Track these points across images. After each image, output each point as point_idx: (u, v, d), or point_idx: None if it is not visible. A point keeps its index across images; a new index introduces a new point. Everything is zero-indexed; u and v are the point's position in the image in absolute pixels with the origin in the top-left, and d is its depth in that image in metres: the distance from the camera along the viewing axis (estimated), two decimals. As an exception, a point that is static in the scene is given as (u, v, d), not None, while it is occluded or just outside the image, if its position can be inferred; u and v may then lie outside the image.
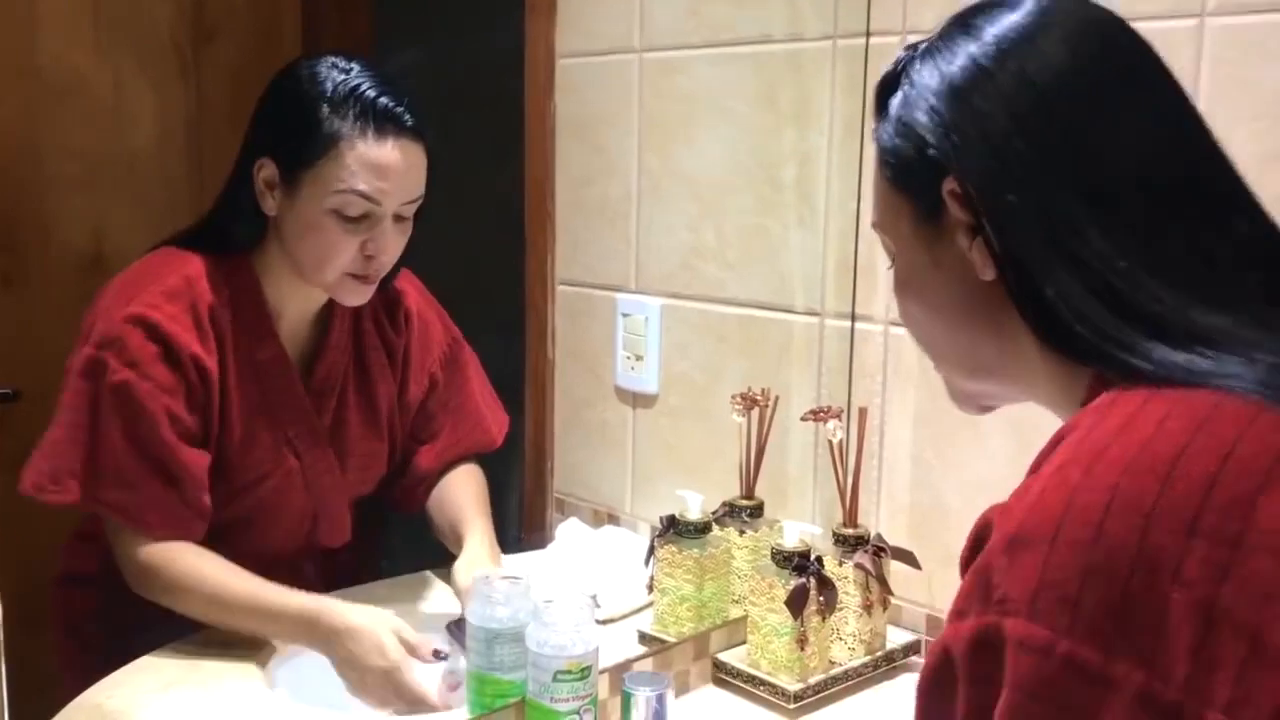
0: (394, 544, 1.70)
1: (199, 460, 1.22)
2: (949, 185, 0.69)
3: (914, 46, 0.74)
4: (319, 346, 1.34)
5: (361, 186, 1.20)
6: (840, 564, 1.33)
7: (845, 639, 1.33)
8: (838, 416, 1.36)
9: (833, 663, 1.31)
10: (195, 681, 1.18)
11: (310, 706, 1.17)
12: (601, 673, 1.15)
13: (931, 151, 0.69)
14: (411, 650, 1.16)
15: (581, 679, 1.08)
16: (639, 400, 1.63)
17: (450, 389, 1.46)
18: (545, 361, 1.69)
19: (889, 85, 0.75)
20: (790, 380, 1.49)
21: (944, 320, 0.75)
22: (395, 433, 1.43)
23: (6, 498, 1.22)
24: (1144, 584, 0.53)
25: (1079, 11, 0.70)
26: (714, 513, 1.39)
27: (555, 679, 1.07)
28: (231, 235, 1.27)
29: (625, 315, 1.62)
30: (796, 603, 1.24)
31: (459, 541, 1.35)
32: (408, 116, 1.22)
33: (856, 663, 1.32)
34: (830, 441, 1.37)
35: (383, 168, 1.21)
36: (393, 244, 1.26)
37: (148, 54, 1.79)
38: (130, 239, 1.74)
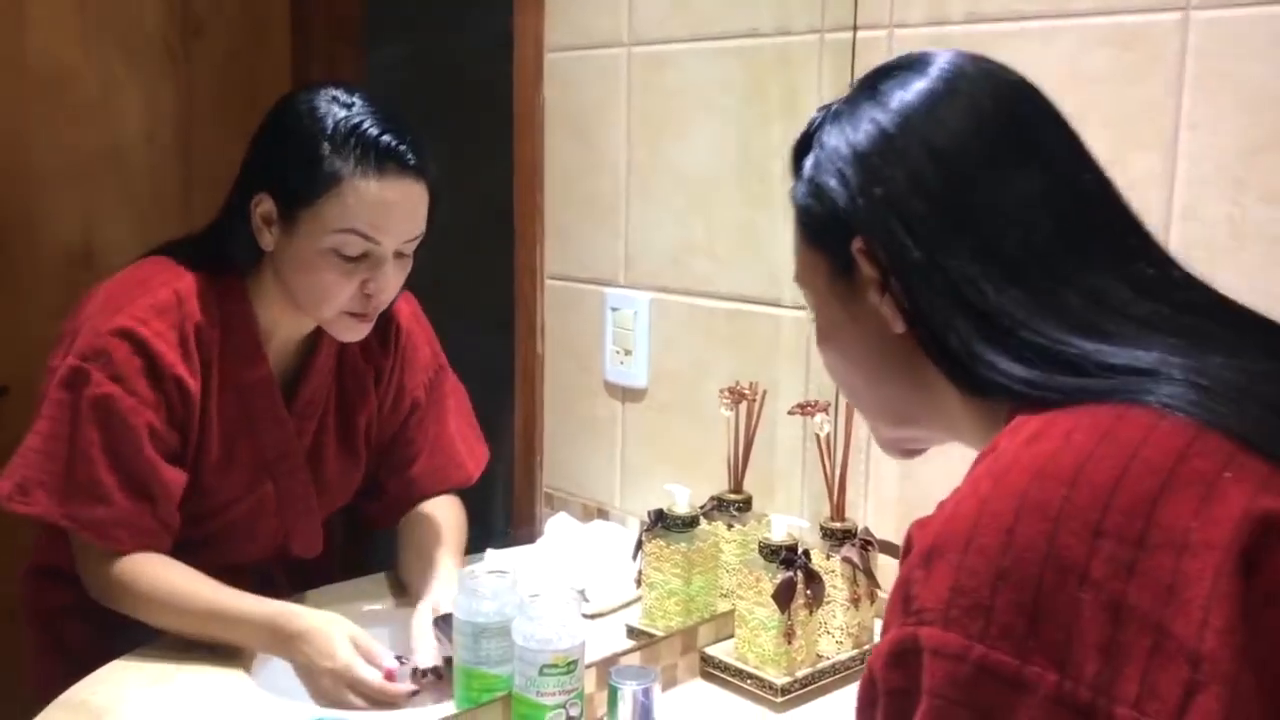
0: (367, 543, 1.70)
1: (177, 479, 1.21)
2: (857, 244, 0.73)
3: (827, 108, 0.78)
4: (304, 368, 1.33)
5: (362, 227, 1.18)
6: (828, 557, 1.33)
7: (833, 632, 1.34)
8: (825, 410, 1.36)
9: (820, 656, 1.31)
10: (181, 677, 1.18)
11: (294, 700, 1.17)
12: (588, 667, 1.15)
13: (841, 212, 0.73)
14: (366, 656, 1.16)
15: (568, 673, 1.08)
16: (628, 395, 1.63)
17: (430, 417, 1.45)
18: (534, 356, 1.69)
19: (803, 147, 0.79)
20: (778, 374, 1.49)
21: (863, 372, 0.79)
22: (371, 452, 1.42)
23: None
24: (1053, 585, 0.55)
25: (983, 79, 0.74)
26: (702, 507, 1.39)
27: (541, 673, 1.07)
28: (226, 259, 1.25)
29: (614, 310, 1.62)
30: (784, 596, 1.24)
31: (424, 578, 1.31)
32: (410, 155, 1.19)
33: (844, 656, 1.32)
34: (818, 435, 1.37)
35: (384, 207, 1.19)
36: (393, 282, 1.24)
37: (136, 48, 1.78)
38: (119, 233, 1.74)
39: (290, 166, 1.19)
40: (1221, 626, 0.53)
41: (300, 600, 1.28)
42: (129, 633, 1.21)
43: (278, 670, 1.22)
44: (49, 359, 1.21)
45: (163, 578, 1.20)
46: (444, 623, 1.20)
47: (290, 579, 1.39)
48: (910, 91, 0.73)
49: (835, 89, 1.43)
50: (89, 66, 1.73)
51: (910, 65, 0.76)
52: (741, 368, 1.48)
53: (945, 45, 1.30)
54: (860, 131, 0.73)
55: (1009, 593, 0.56)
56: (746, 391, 1.40)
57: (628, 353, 1.61)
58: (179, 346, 1.20)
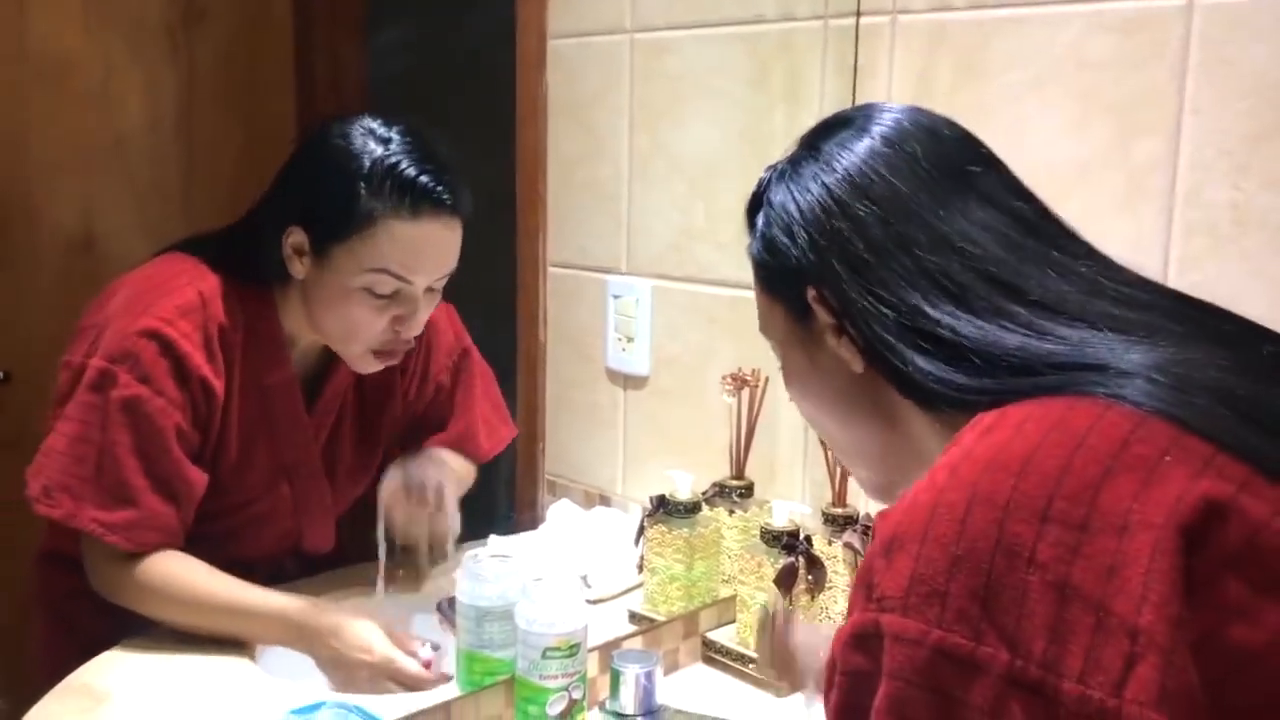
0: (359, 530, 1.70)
1: (200, 479, 1.21)
2: (810, 293, 0.78)
3: (773, 167, 0.83)
4: (326, 371, 1.34)
5: (395, 268, 1.18)
6: (829, 543, 1.34)
7: (834, 617, 1.34)
8: (827, 397, 1.36)
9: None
10: (183, 661, 1.18)
11: (297, 681, 1.17)
12: (591, 651, 1.16)
13: (792, 264, 0.79)
14: (400, 645, 1.17)
15: (570, 656, 1.08)
16: (630, 382, 1.63)
17: (454, 398, 1.46)
18: (536, 344, 1.69)
19: (755, 204, 0.84)
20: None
21: (834, 414, 0.83)
22: (389, 447, 1.43)
23: (2, 480, 1.22)
24: (1004, 570, 0.58)
25: (920, 133, 0.79)
26: (704, 493, 1.39)
27: (544, 656, 1.08)
28: (254, 272, 1.25)
29: (616, 297, 1.62)
30: (785, 581, 1.24)
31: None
32: (446, 195, 1.19)
33: (846, 642, 1.33)
34: (820, 422, 1.37)
35: (418, 248, 1.19)
36: (422, 318, 1.25)
37: (137, 35, 1.78)
38: (120, 221, 1.74)
39: (324, 203, 1.19)
40: (1158, 601, 0.56)
41: (309, 588, 1.28)
42: (137, 617, 1.21)
43: (280, 655, 1.22)
44: (66, 354, 1.20)
45: (178, 575, 1.19)
46: (448, 606, 1.20)
47: (301, 572, 1.39)
48: (849, 149, 0.78)
49: (838, 75, 1.43)
50: (90, 54, 1.73)
51: (849, 123, 0.81)
52: (743, 354, 1.48)
53: (949, 33, 1.31)
54: (805, 191, 0.79)
55: (963, 579, 0.59)
56: (748, 378, 1.40)
57: (629, 340, 1.61)
58: (204, 347, 1.19)
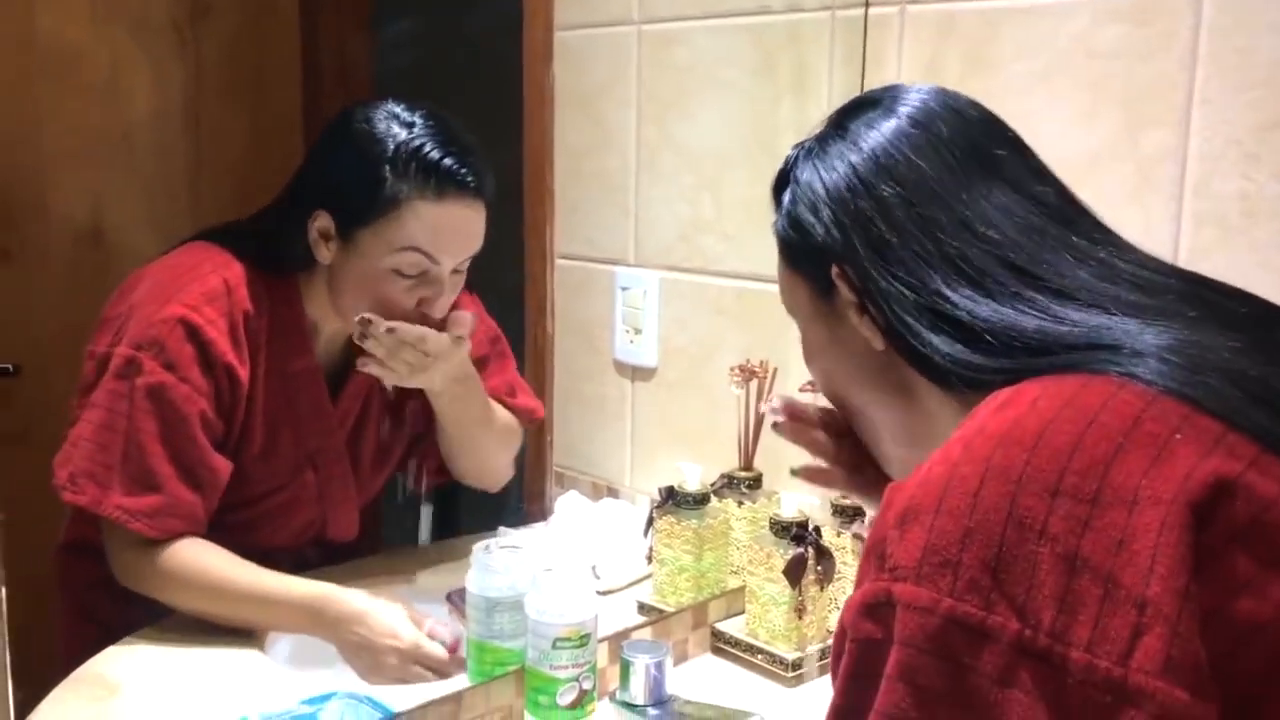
0: (391, 517, 1.71)
1: (225, 467, 1.22)
2: (834, 270, 0.80)
3: (800, 145, 0.84)
4: (351, 360, 1.33)
5: (423, 245, 1.20)
6: (838, 534, 1.34)
7: (843, 608, 1.34)
8: (836, 388, 1.36)
9: (830, 632, 1.32)
10: (194, 650, 1.19)
11: (308, 671, 1.18)
12: (601, 641, 1.16)
13: (817, 242, 0.80)
14: (421, 626, 1.17)
15: (580, 646, 1.09)
16: (638, 374, 1.64)
17: (488, 371, 1.46)
18: (545, 336, 1.70)
19: (781, 181, 0.85)
20: (788, 352, 1.47)
21: (852, 388, 0.85)
22: (418, 426, 1.43)
23: (8, 471, 1.22)
24: (1015, 542, 0.59)
25: (947, 114, 0.80)
26: (713, 484, 1.40)
27: (554, 646, 1.08)
28: (279, 260, 1.25)
29: (624, 289, 1.62)
30: (794, 572, 1.25)
31: None
32: (471, 178, 1.21)
33: (854, 632, 1.33)
34: (828, 413, 1.37)
35: (443, 229, 1.20)
36: (448, 299, 1.26)
37: (144, 28, 1.78)
38: (128, 213, 1.74)
39: (350, 188, 1.20)
40: (1165, 574, 0.57)
41: (318, 578, 1.29)
42: (157, 607, 1.22)
43: (290, 646, 1.22)
44: (90, 344, 1.21)
45: (201, 563, 1.20)
46: (458, 596, 1.20)
47: (323, 561, 1.39)
48: (876, 129, 0.80)
49: (846, 66, 1.43)
50: (98, 47, 1.73)
51: (877, 103, 0.82)
52: (752, 346, 1.48)
53: (957, 24, 1.31)
54: (831, 169, 0.80)
55: (975, 550, 0.60)
56: (757, 369, 1.40)
57: (638, 331, 1.62)
58: (229, 334, 1.20)
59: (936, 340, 0.74)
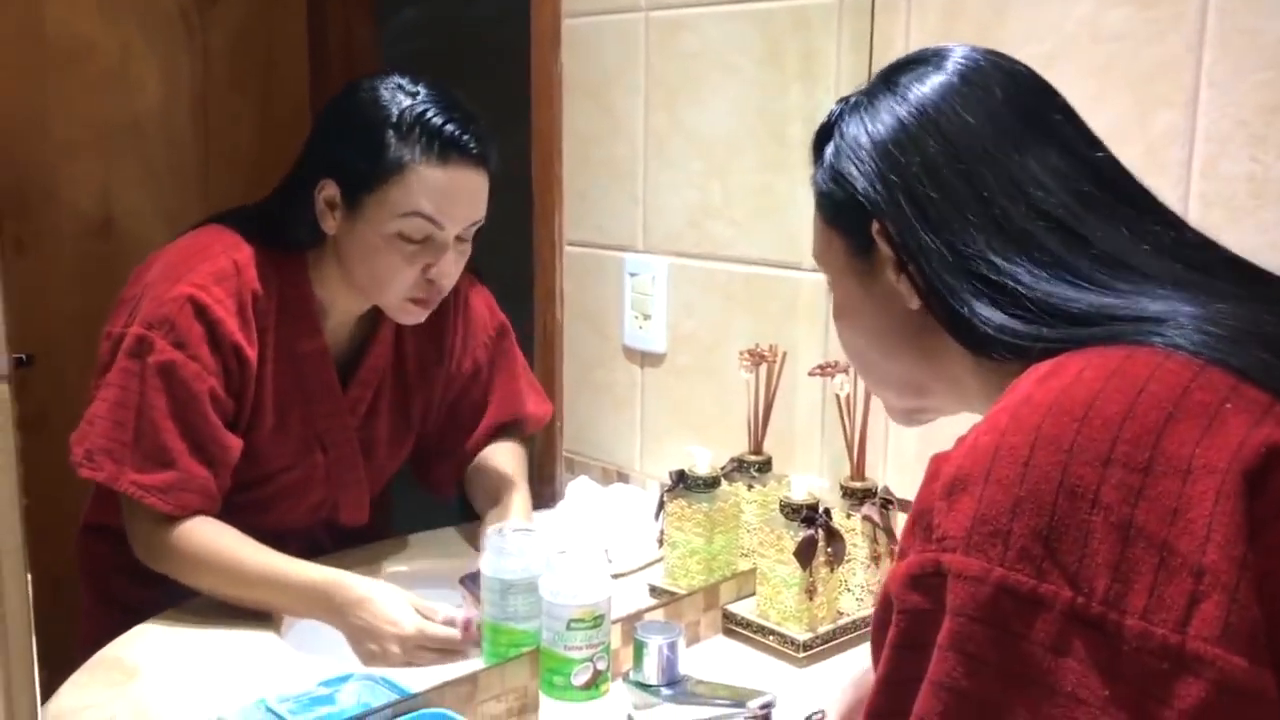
0: (404, 503, 1.72)
1: (236, 444, 1.24)
2: (875, 226, 0.78)
3: (845, 100, 0.83)
4: (363, 344, 1.36)
5: (427, 209, 1.21)
6: (848, 516, 1.35)
7: (853, 590, 1.35)
8: (845, 371, 1.37)
9: (841, 613, 1.33)
10: (211, 635, 1.20)
11: (321, 658, 1.19)
12: (614, 624, 1.17)
13: (859, 197, 0.79)
14: (428, 616, 1.18)
15: (595, 627, 1.10)
16: (647, 359, 1.64)
17: (494, 375, 1.48)
18: (554, 322, 1.70)
19: (823, 135, 0.84)
20: (797, 336, 1.50)
21: (879, 345, 0.84)
22: (426, 426, 1.45)
23: (25, 460, 1.23)
24: (1066, 511, 0.59)
25: (996, 72, 0.79)
26: (723, 468, 1.40)
27: (569, 627, 1.09)
28: (287, 238, 1.27)
29: (633, 275, 1.63)
30: (805, 554, 1.26)
31: (496, 504, 1.37)
32: (473, 144, 1.23)
33: (864, 613, 1.34)
34: (838, 396, 1.38)
35: (447, 193, 1.22)
36: (454, 267, 1.27)
37: (153, 18, 1.79)
38: (138, 203, 1.75)
39: (355, 154, 1.22)
40: (1222, 541, 0.57)
41: (331, 563, 1.30)
42: (178, 588, 1.24)
43: (306, 629, 1.24)
44: (106, 325, 1.23)
45: (215, 542, 1.22)
46: (471, 580, 1.22)
47: (335, 545, 1.41)
48: (926, 85, 0.78)
49: (854, 52, 1.44)
50: (106, 38, 1.74)
51: (927, 60, 0.81)
52: (760, 331, 1.49)
53: (964, 7, 1.31)
54: (878, 122, 0.79)
55: (1025, 519, 0.60)
56: (766, 354, 1.41)
57: (646, 317, 1.62)
58: (237, 314, 1.22)
59: (976, 303, 0.73)
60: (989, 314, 0.73)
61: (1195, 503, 0.58)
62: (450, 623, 1.18)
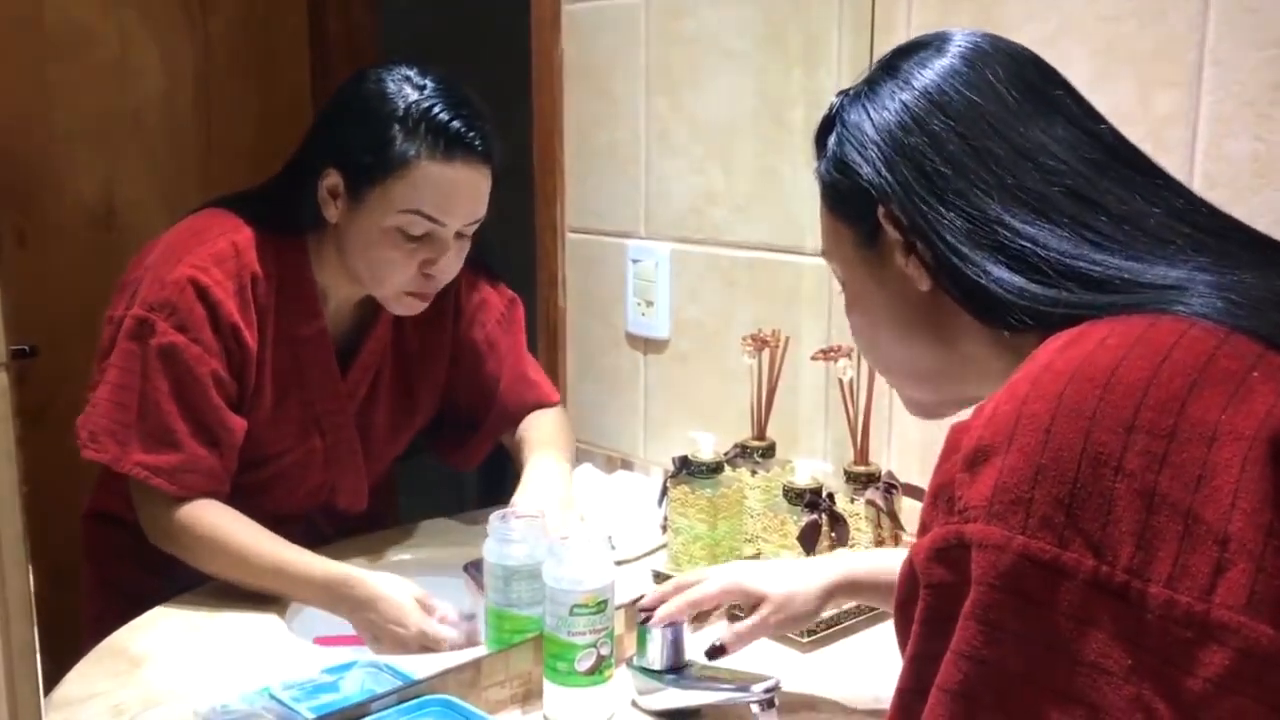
0: (408, 490, 1.72)
1: (240, 425, 1.24)
2: (882, 211, 0.78)
3: (845, 92, 0.83)
4: (363, 329, 1.35)
5: (428, 209, 1.21)
6: (851, 501, 1.34)
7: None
8: (848, 355, 1.36)
9: (845, 598, 1.33)
10: (218, 623, 1.20)
11: (328, 647, 1.19)
12: (618, 608, 1.17)
13: (865, 183, 0.79)
14: (430, 613, 1.19)
15: (598, 612, 1.10)
16: (650, 346, 1.64)
17: (507, 349, 1.48)
18: (556, 309, 1.70)
19: (826, 127, 0.84)
20: (800, 321, 1.49)
21: (892, 333, 0.83)
22: (428, 411, 1.45)
23: (28, 451, 1.23)
24: (1089, 479, 0.59)
25: (998, 54, 0.79)
26: (726, 454, 1.40)
27: (572, 613, 1.09)
28: (288, 222, 1.27)
29: (635, 261, 1.62)
30: (809, 538, 1.26)
31: (518, 477, 1.37)
32: (479, 141, 1.22)
33: (868, 598, 1.34)
34: (841, 380, 1.37)
35: (450, 191, 1.21)
36: (453, 263, 1.27)
37: (153, 6, 1.78)
38: (139, 193, 1.75)
39: (360, 145, 1.21)
40: (1249, 509, 0.57)
41: (336, 551, 1.30)
42: (182, 576, 1.24)
43: (312, 617, 1.24)
44: (108, 309, 1.23)
45: (225, 527, 1.22)
46: (475, 568, 1.22)
47: (335, 530, 1.41)
48: (928, 68, 0.79)
49: (855, 34, 1.43)
50: (107, 27, 1.74)
51: (928, 45, 0.81)
52: (763, 316, 1.49)
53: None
54: (882, 108, 0.79)
55: (1047, 487, 0.59)
56: (769, 339, 1.40)
57: (649, 304, 1.62)
58: (237, 296, 1.22)
59: (993, 268, 0.73)
60: (1008, 278, 0.72)
61: (1221, 470, 0.58)
62: (445, 621, 1.19)
